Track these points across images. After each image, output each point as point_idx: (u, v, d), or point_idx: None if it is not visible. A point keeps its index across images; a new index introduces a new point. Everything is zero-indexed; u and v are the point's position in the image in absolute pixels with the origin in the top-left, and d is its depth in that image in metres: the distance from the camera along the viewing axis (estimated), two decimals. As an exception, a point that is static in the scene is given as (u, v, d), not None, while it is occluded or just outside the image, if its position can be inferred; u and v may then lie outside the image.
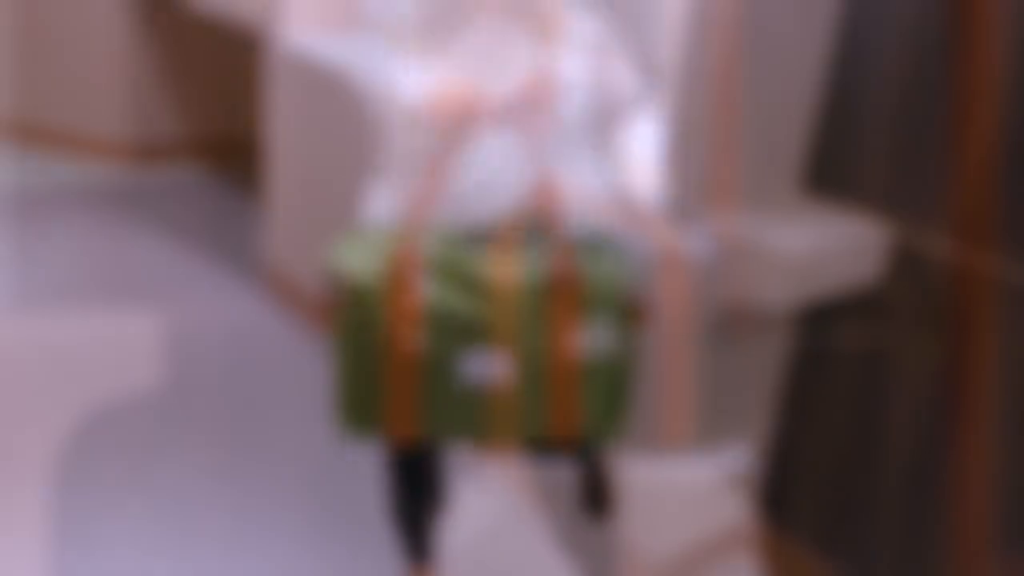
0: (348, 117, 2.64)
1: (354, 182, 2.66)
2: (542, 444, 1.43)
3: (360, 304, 1.34)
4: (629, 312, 1.41)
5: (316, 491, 2.24)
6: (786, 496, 1.99)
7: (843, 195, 1.80)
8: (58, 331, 2.83)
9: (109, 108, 4.19)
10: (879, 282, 1.75)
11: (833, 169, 1.81)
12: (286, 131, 3.04)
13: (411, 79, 1.50)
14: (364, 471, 2.31)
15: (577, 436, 1.40)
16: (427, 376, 1.34)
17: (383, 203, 1.50)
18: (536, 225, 1.42)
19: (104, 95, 4.18)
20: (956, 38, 1.60)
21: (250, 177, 4.17)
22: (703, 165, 1.68)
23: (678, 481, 1.79)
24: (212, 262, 3.38)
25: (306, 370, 2.74)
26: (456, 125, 1.44)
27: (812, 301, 1.82)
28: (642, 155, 1.63)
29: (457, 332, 1.34)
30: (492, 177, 1.44)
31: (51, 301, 3.02)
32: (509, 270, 1.36)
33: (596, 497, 1.74)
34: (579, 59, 1.51)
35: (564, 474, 1.77)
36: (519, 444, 1.45)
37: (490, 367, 1.33)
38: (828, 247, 1.67)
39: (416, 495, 1.61)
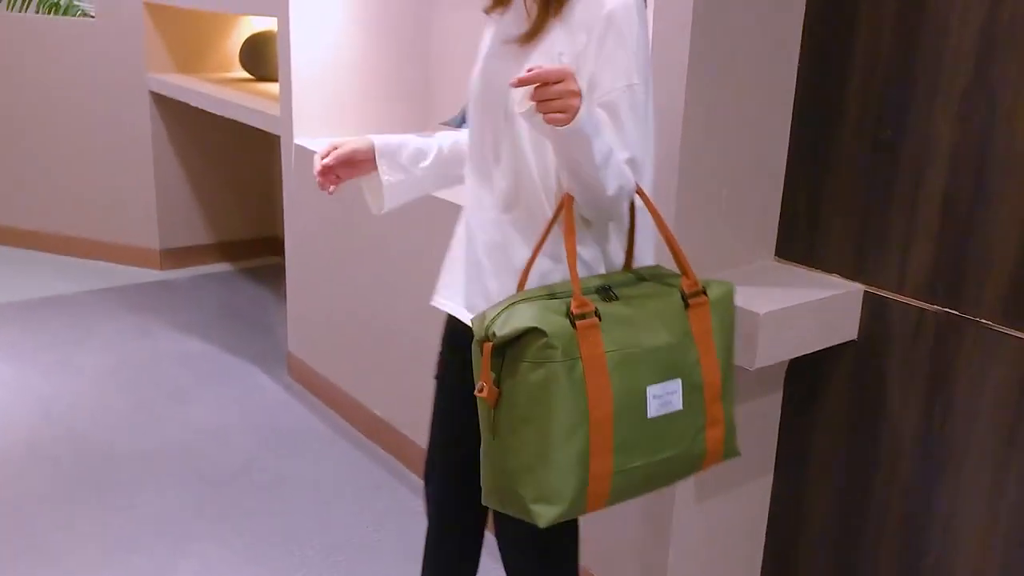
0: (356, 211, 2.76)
1: (367, 273, 2.81)
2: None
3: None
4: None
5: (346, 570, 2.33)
6: (791, 548, 2.07)
7: (811, 260, 1.91)
8: (106, 426, 2.94)
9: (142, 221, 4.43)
10: (861, 336, 1.85)
11: (799, 235, 1.92)
12: (304, 227, 3.17)
13: None
14: (385, 546, 2.42)
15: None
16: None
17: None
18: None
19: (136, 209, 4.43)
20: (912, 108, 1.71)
21: (273, 272, 4.43)
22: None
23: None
24: (238, 352, 3.52)
25: (327, 452, 2.85)
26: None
27: (799, 358, 1.92)
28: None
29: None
30: None
31: (97, 393, 3.13)
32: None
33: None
34: None
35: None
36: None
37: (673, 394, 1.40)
38: (807, 306, 1.76)
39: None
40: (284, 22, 3.00)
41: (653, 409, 1.35)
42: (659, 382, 1.36)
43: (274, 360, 3.50)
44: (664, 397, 1.36)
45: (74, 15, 5.12)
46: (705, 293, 1.43)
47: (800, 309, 1.75)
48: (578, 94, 1.24)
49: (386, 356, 2.83)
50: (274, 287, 4.29)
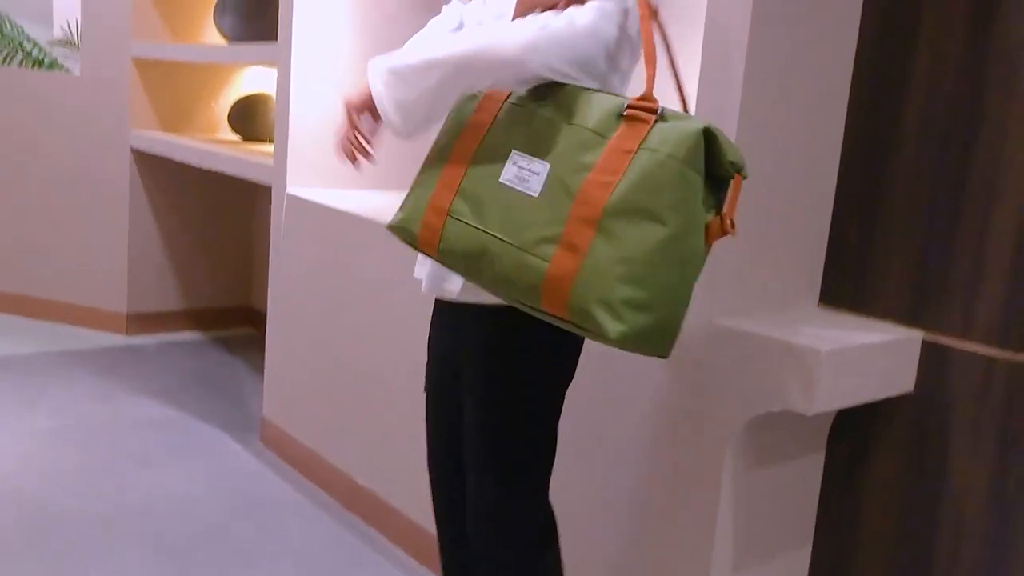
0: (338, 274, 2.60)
1: (352, 333, 2.61)
2: None
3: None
4: None
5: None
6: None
7: (861, 304, 1.75)
8: (57, 488, 2.64)
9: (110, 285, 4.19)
10: (919, 388, 1.68)
11: (851, 281, 1.77)
12: (288, 284, 2.98)
13: None
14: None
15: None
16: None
17: None
18: None
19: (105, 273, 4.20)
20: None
21: (246, 343, 4.19)
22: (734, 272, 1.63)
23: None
24: (208, 418, 3.25)
25: (302, 524, 2.58)
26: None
27: (846, 413, 1.74)
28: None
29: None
30: None
31: (49, 454, 2.83)
32: None
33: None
34: None
35: None
36: None
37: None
38: (862, 349, 1.59)
39: None
40: (285, 70, 2.89)
41: (508, 175, 1.30)
42: (528, 152, 1.29)
43: (245, 427, 3.24)
44: (523, 172, 1.29)
45: (58, 70, 5.00)
46: (657, 117, 1.23)
47: (857, 351, 1.59)
48: None
49: (370, 421, 2.60)
50: (246, 356, 4.04)
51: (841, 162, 1.78)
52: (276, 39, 3.01)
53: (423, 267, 1.58)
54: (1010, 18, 1.54)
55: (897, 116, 1.70)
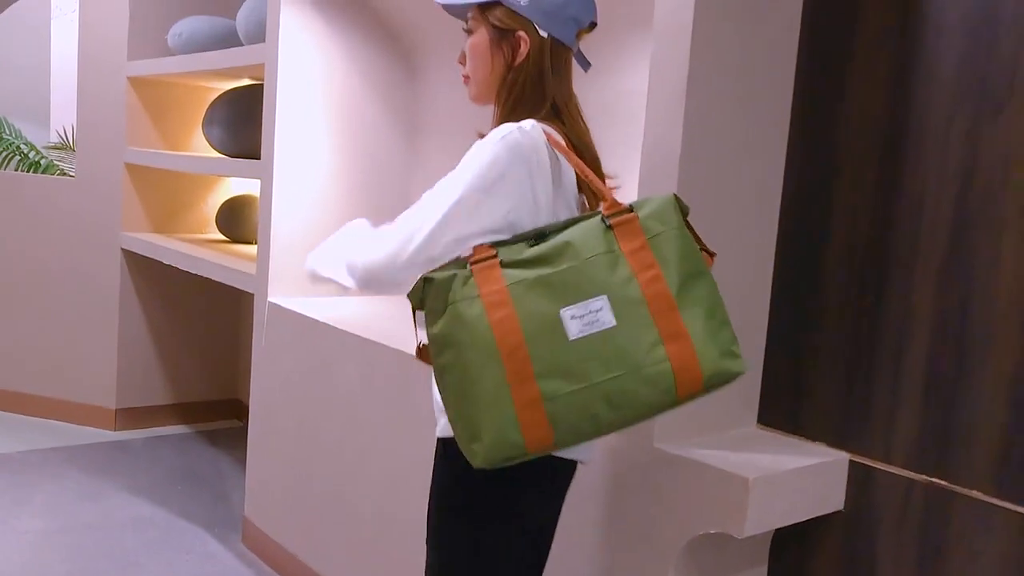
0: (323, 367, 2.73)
1: (333, 439, 2.73)
2: None
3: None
4: None
5: None
6: None
7: (794, 427, 1.89)
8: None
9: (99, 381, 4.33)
10: (848, 507, 1.81)
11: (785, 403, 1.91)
12: (270, 389, 3.11)
13: None
14: None
15: None
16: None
17: None
18: None
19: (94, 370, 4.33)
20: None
21: (232, 436, 4.30)
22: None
23: None
24: (193, 517, 3.35)
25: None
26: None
27: (784, 530, 1.86)
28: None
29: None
30: None
31: (38, 557, 2.92)
32: None
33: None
34: None
35: None
36: None
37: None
38: (794, 473, 1.72)
39: None
40: (267, 184, 3.06)
41: (574, 330, 1.33)
42: (576, 302, 1.33)
43: (229, 526, 3.33)
44: (586, 316, 1.33)
45: (53, 173, 5.20)
46: (632, 210, 1.39)
47: (788, 475, 1.71)
48: None
49: (350, 527, 2.71)
50: (232, 451, 4.14)
51: (771, 300, 1.94)
52: (259, 154, 3.18)
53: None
54: (918, 163, 1.71)
55: (822, 256, 1.86)
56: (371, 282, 1.52)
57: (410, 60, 3.25)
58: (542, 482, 1.55)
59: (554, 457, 1.51)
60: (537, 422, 1.31)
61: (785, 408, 1.92)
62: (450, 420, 1.37)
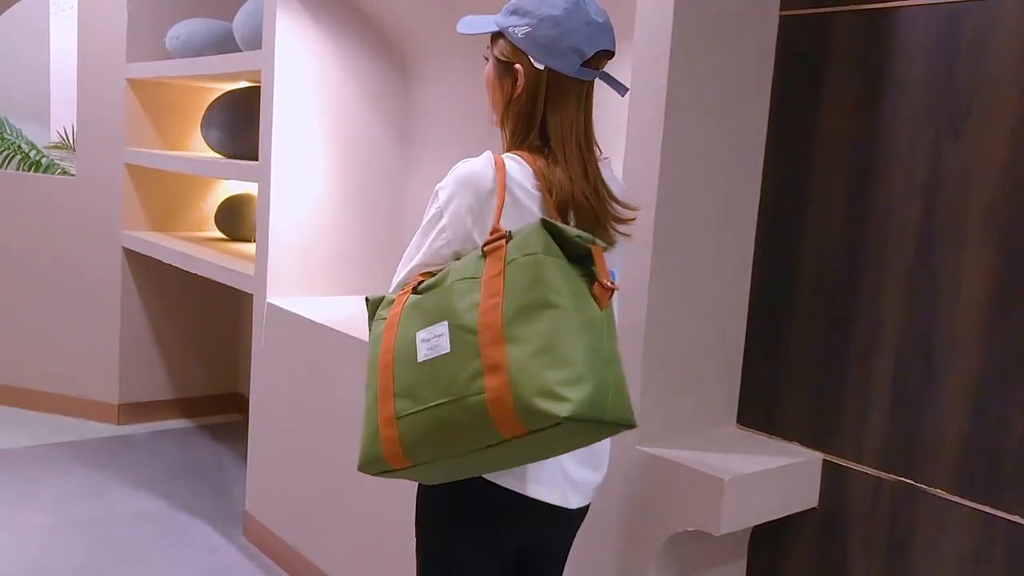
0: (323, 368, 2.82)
1: (332, 435, 2.82)
2: None
3: None
4: None
5: None
6: None
7: (771, 428, 1.98)
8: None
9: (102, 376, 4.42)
10: (822, 504, 1.90)
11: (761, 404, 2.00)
12: (269, 387, 3.20)
13: None
14: None
15: None
16: None
17: None
18: None
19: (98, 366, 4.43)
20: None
21: (233, 430, 4.40)
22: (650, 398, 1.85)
23: None
24: (195, 511, 3.45)
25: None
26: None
27: (762, 526, 1.95)
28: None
29: None
30: None
31: (45, 552, 3.03)
32: None
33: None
34: None
35: None
36: None
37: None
38: (769, 473, 1.81)
39: None
40: (264, 187, 3.14)
41: (422, 352, 1.39)
42: (427, 326, 1.40)
43: (230, 520, 3.43)
44: (432, 340, 1.39)
45: (54, 173, 5.27)
46: (508, 237, 1.39)
47: (762, 476, 1.81)
48: None
49: (348, 521, 2.80)
50: (233, 444, 4.24)
51: (750, 308, 2.03)
52: (257, 156, 3.26)
53: None
54: (885, 181, 1.79)
55: (794, 275, 1.95)
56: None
57: (404, 68, 3.33)
58: (486, 506, 1.53)
59: (488, 482, 1.50)
60: (390, 438, 1.40)
61: (762, 410, 2.01)
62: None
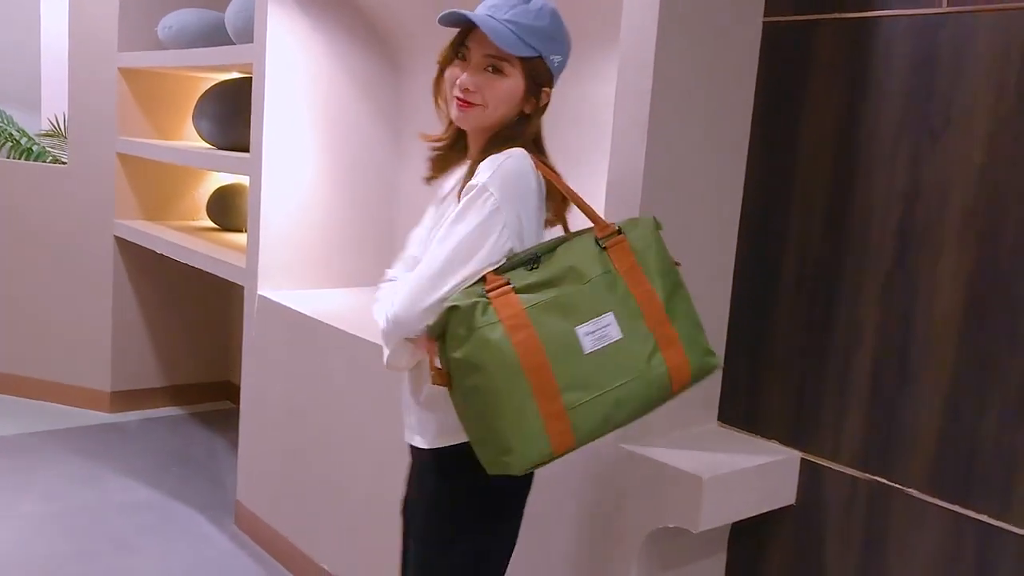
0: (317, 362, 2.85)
1: (323, 425, 2.86)
2: None
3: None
4: None
5: None
6: None
7: (751, 426, 2.02)
8: (26, 571, 2.87)
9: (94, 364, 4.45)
10: (799, 501, 1.95)
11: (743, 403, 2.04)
12: (260, 376, 3.23)
13: None
14: None
15: None
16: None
17: None
18: None
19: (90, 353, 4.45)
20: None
21: (224, 417, 4.43)
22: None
23: None
24: (187, 499, 3.49)
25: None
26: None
27: (741, 522, 2.00)
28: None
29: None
30: None
31: (36, 540, 3.06)
32: None
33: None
34: None
35: None
36: None
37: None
38: (748, 471, 1.85)
39: None
40: (256, 180, 3.16)
41: (588, 344, 1.49)
42: (588, 320, 1.50)
43: (222, 509, 3.47)
44: (597, 332, 1.50)
45: (45, 161, 5.27)
46: (621, 232, 1.57)
47: (741, 474, 1.85)
48: None
49: (340, 510, 2.84)
50: (225, 432, 4.28)
51: (731, 308, 2.06)
52: (248, 147, 3.28)
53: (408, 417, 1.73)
54: (865, 187, 1.83)
55: (775, 277, 1.98)
56: (397, 331, 1.58)
57: (395, 61, 3.34)
58: (520, 491, 1.72)
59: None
60: (562, 431, 1.47)
61: (743, 408, 2.05)
62: (472, 438, 1.50)
